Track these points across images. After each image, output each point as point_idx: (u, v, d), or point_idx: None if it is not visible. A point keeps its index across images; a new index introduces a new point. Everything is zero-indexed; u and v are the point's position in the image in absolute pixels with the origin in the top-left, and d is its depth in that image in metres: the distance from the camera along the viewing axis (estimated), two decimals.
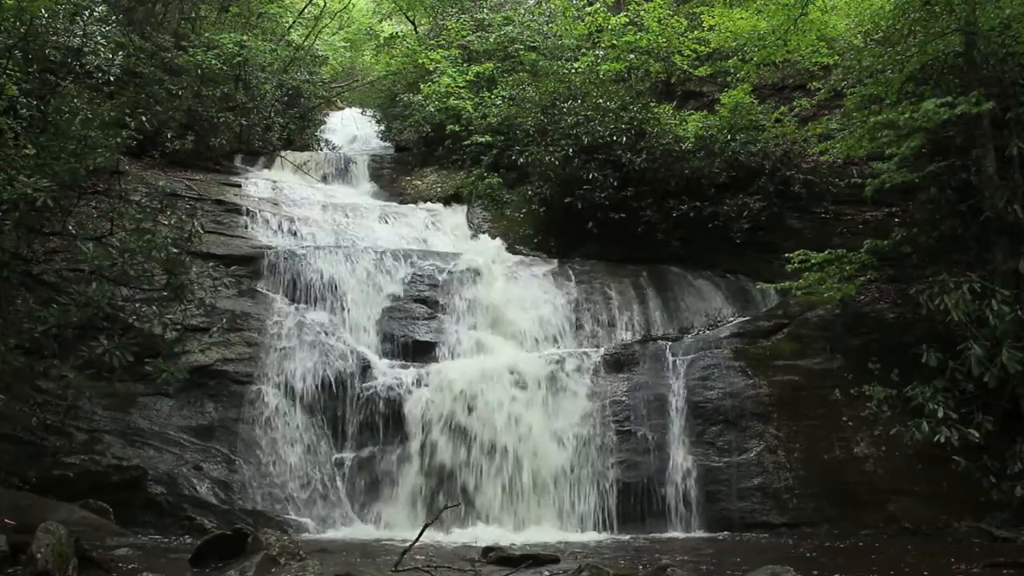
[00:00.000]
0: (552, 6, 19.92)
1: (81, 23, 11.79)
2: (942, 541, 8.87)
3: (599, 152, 13.72)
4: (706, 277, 13.31)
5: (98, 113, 9.73)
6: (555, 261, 13.65)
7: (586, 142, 13.79)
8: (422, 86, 18.24)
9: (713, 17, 13.89)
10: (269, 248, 12.73)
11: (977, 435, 8.96)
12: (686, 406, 10.49)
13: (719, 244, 13.24)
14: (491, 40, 19.42)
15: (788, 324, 11.42)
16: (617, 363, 11.06)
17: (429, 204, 15.97)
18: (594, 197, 13.35)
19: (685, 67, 15.84)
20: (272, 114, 18.16)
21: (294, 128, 19.46)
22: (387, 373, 11.01)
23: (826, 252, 10.94)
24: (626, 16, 16.80)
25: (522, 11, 20.64)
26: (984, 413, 9.18)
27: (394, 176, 17.94)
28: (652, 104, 14.62)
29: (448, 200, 16.17)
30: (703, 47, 15.30)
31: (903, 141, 10.39)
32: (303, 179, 17.05)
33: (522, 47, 18.73)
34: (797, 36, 12.27)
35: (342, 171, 17.95)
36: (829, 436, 10.12)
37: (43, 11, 9.67)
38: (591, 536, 9.55)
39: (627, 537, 9.41)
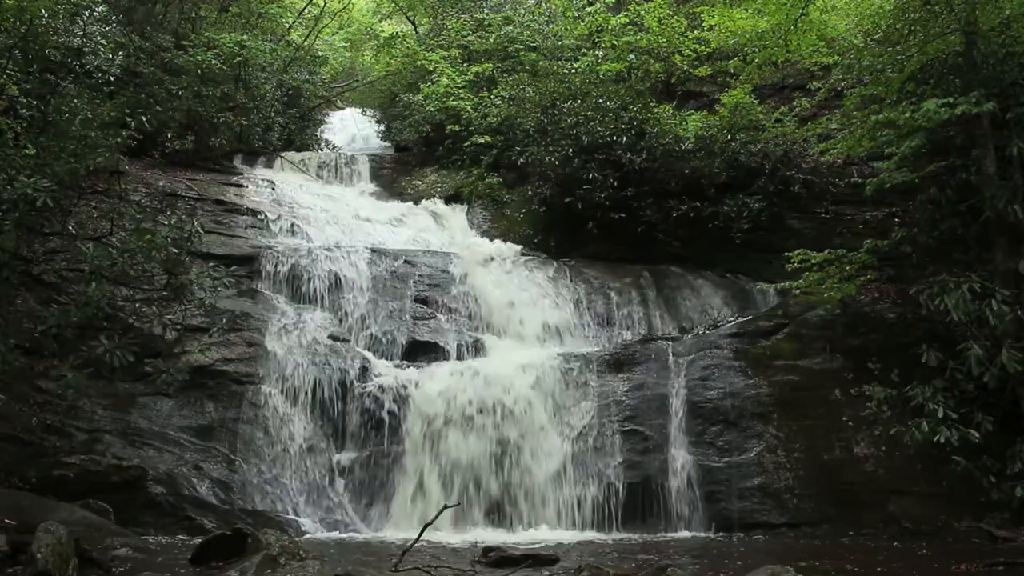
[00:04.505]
0: (552, 6, 19.91)
1: (81, 23, 11.80)
2: (942, 541, 8.87)
3: (599, 152, 13.71)
4: (706, 277, 13.31)
5: (98, 113, 9.72)
6: (555, 261, 13.65)
7: (586, 142, 13.79)
8: (422, 86, 18.23)
9: (713, 17, 13.88)
10: (269, 248, 12.72)
11: (977, 435, 8.97)
12: (686, 406, 10.49)
13: (719, 244, 13.24)
14: (491, 40, 19.39)
15: (788, 324, 11.42)
16: (617, 363, 11.05)
17: (429, 204, 15.96)
18: (594, 197, 13.34)
19: (685, 67, 15.83)
20: (272, 114, 18.15)
21: (294, 128, 19.45)
22: (386, 373, 11.00)
23: (826, 252, 10.95)
24: (626, 16, 16.78)
25: (522, 11, 20.63)
26: (984, 413, 9.20)
27: (394, 176, 17.92)
28: (652, 104, 14.61)
29: (448, 200, 16.16)
30: (703, 47, 15.28)
31: (903, 141, 10.40)
32: (303, 179, 17.04)
33: (522, 47, 18.73)
34: (797, 36, 12.25)
35: (342, 171, 17.93)
36: (829, 436, 10.12)
37: (43, 11, 9.66)
38: (591, 536, 9.53)
39: (627, 537, 9.39)
